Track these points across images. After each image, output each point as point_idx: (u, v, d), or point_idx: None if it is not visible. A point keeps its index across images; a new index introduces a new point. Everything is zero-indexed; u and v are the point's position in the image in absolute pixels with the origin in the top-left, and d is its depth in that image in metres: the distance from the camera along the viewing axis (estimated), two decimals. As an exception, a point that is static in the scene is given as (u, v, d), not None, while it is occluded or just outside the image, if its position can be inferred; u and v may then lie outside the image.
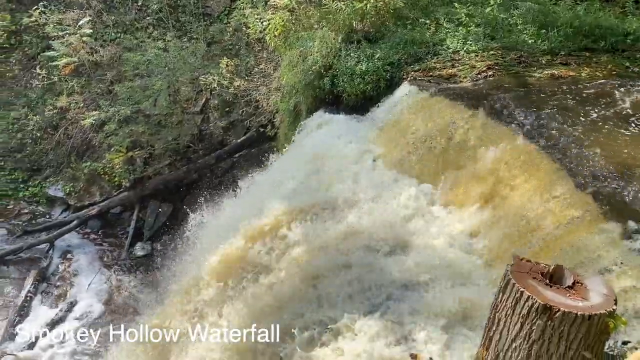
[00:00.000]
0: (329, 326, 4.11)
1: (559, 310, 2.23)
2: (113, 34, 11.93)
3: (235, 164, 10.85)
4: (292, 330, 4.26)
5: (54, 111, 11.57)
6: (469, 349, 3.51)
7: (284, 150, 7.79)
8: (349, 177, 5.65)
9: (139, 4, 12.13)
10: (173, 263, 7.61)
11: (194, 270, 5.77)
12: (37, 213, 11.74)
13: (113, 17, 12.00)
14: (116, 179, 11.25)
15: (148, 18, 12.05)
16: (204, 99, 11.57)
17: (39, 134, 11.92)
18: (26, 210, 11.75)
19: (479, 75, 6.42)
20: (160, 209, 11.06)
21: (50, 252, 10.77)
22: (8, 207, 11.80)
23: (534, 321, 2.29)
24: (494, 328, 2.52)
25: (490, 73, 6.46)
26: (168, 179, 11.39)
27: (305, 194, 5.81)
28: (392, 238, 4.80)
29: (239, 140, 11.16)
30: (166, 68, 10.79)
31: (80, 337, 8.98)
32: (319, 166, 6.12)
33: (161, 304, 5.86)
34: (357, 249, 4.86)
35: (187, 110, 11.15)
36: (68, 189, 11.59)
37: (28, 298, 9.77)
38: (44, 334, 9.04)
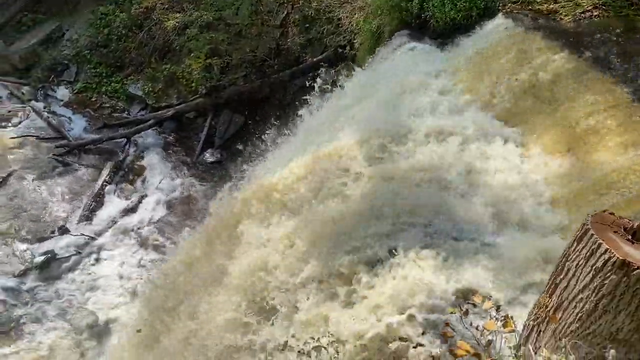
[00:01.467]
0: (394, 253, 4.13)
1: (637, 267, 2.12)
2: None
3: (309, 83, 10.76)
4: (355, 255, 4.32)
5: (140, 10, 11.76)
6: (534, 296, 3.44)
7: (361, 73, 7.59)
8: (427, 108, 5.46)
9: None
10: (241, 173, 7.80)
11: (261, 181, 5.87)
12: (116, 108, 12.26)
13: None
14: (193, 84, 11.46)
15: None
16: (285, 13, 11.35)
17: (124, 32, 12.20)
18: (107, 105, 12.29)
19: (582, 15, 5.89)
20: (232, 119, 11.27)
21: (127, 147, 11.33)
22: (91, 99, 12.40)
23: (607, 275, 2.19)
24: (561, 276, 2.44)
25: (595, 13, 5.91)
26: (242, 91, 11.47)
27: (379, 121, 5.69)
28: (465, 177, 4.67)
29: (315, 59, 10.97)
30: (251, -24, 10.60)
31: (145, 231, 9.62)
32: (397, 94, 5.94)
33: (227, 208, 6.06)
34: (427, 185, 4.77)
35: (267, 22, 11.00)
36: (147, 89, 11.95)
37: (103, 186, 10.44)
38: (114, 222, 9.74)
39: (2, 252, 8.70)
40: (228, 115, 11.52)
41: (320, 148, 5.71)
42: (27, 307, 7.96)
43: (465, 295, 3.73)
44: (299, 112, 7.48)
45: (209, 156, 11.20)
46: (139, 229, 9.52)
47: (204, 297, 5.52)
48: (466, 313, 2.99)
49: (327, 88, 8.20)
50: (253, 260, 5.15)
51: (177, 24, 10.98)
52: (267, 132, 8.02)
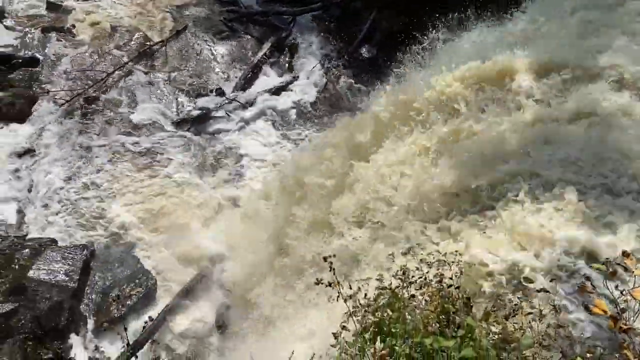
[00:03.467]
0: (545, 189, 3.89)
1: None
2: None
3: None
4: (502, 184, 4.13)
5: None
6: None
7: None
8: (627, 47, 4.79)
9: None
10: (395, 74, 7.61)
11: (416, 87, 5.68)
12: (289, -15, 12.33)
13: None
14: (367, -27, 11.10)
15: None
16: None
17: None
18: (279, -22, 12.40)
19: None
20: (397, 18, 10.86)
21: (291, 25, 11.52)
22: (265, -29, 12.55)
23: None
24: None
25: None
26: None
27: (563, 49, 5.14)
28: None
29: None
30: None
31: (290, 112, 9.93)
32: (591, 20, 5.28)
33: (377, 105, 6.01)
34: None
35: None
36: (322, -29, 11.81)
37: (262, 59, 10.85)
38: (264, 96, 10.14)
39: (167, 99, 9.58)
40: (393, 13, 11.12)
41: (487, 63, 5.33)
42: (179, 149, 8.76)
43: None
44: (472, 21, 6.95)
45: (365, 51, 11.05)
46: (285, 108, 9.86)
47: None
48: (613, 274, 2.79)
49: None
50: (389, 169, 5.18)
51: None
52: (431, 36, 7.58)
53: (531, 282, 3.44)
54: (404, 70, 7.10)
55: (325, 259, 2.81)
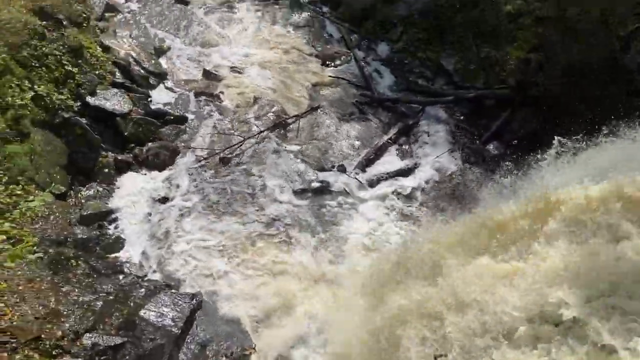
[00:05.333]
0: None
1: None
2: None
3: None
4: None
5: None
6: None
7: None
8: None
9: None
10: (522, 175, 7.35)
11: (548, 193, 5.43)
12: (424, 75, 12.73)
13: None
14: (505, 73, 11.16)
15: None
16: (636, 26, 10.01)
17: (457, 5, 12.42)
18: (416, 70, 12.85)
19: None
20: (532, 120, 10.66)
21: (420, 114, 11.75)
22: (403, 61, 13.11)
23: None
24: None
25: None
26: (556, 94, 10.69)
27: None
28: None
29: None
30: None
31: (409, 198, 9.90)
32: None
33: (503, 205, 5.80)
34: None
35: (614, 30, 9.86)
36: (458, 66, 12.08)
37: (387, 143, 11.09)
38: (385, 179, 10.25)
39: (292, 169, 10.06)
40: (529, 114, 10.94)
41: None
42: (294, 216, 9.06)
43: None
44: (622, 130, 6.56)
45: (493, 148, 10.89)
46: (404, 193, 9.88)
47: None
48: None
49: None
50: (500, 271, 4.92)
51: (513, 10, 10.66)
52: (568, 141, 7.24)
53: None
54: (533, 175, 6.83)
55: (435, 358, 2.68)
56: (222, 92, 11.80)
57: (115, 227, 8.44)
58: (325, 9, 15.11)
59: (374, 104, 12.11)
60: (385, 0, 14.07)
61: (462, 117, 11.77)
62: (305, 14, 14.79)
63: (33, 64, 8.82)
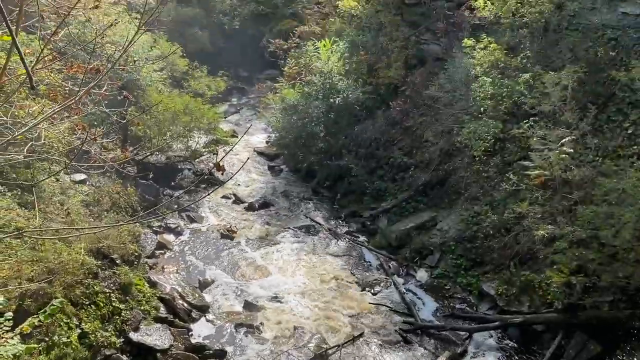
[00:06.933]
0: None
1: None
2: (592, 156, 11.79)
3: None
4: None
5: (512, 215, 12.21)
6: None
7: None
8: None
9: (629, 132, 11.62)
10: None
11: None
12: (466, 301, 12.55)
13: (597, 141, 11.88)
14: (549, 297, 10.90)
15: (635, 147, 11.39)
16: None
17: (491, 232, 12.79)
18: (458, 295, 12.73)
19: None
20: (586, 345, 10.02)
21: (467, 341, 11.24)
22: (445, 286, 13.06)
23: None
24: None
25: None
26: (605, 317, 10.26)
27: None
28: None
29: None
30: (641, 201, 9.86)
31: None
32: None
33: None
34: None
35: None
36: (500, 290, 11.92)
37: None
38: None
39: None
40: (582, 339, 10.33)
41: None
42: None
43: None
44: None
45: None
46: None
47: None
48: None
49: None
50: None
51: (546, 235, 10.91)
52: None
53: None
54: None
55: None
56: (262, 323, 11.74)
57: None
58: (362, 238, 15.75)
59: (418, 332, 11.73)
60: (419, 229, 14.69)
61: (512, 344, 11.19)
62: (343, 244, 15.40)
63: (84, 302, 9.18)
